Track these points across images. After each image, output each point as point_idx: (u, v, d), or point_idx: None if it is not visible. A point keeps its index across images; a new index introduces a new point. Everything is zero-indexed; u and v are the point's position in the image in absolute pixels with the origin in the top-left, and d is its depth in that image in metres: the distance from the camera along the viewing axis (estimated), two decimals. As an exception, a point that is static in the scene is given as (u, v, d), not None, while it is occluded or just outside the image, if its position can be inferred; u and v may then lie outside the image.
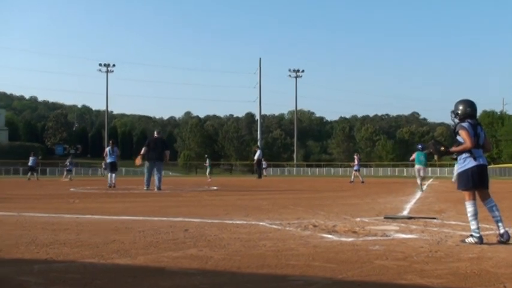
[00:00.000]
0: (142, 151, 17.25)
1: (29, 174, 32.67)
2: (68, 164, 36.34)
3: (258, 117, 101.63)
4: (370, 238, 5.96)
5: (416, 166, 18.83)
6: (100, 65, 79.26)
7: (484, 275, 3.98)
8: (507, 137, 66.75)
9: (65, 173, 35.59)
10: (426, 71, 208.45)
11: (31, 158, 33.16)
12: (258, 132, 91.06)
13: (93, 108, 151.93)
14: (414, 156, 19.12)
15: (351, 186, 22.76)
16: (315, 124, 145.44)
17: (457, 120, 5.86)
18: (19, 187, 21.56)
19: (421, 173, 18.77)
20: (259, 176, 33.03)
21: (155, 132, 18.00)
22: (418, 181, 18.42)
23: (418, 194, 15.62)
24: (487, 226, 6.51)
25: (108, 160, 20.55)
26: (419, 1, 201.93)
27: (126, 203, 11.96)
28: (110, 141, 22.21)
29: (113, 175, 20.01)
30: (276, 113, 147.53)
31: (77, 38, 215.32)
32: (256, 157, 33.38)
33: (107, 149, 20.95)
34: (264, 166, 62.37)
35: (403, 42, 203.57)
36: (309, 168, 78.70)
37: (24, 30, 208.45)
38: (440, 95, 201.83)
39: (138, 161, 17.34)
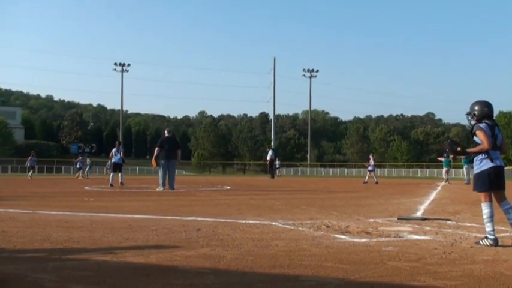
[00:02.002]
0: (156, 152, 17.22)
1: (30, 172, 32.72)
2: (78, 162, 36.86)
3: (271, 117, 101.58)
4: (383, 239, 5.93)
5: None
6: (115, 64, 79.78)
7: (498, 278, 3.94)
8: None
9: (78, 171, 35.99)
10: (442, 71, 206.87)
11: (32, 159, 33.12)
12: (272, 132, 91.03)
13: (108, 108, 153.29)
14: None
15: (364, 187, 22.65)
16: (329, 124, 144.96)
17: (473, 122, 5.79)
18: (34, 185, 21.77)
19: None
20: (272, 176, 32.98)
21: (166, 132, 17.94)
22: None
23: (433, 196, 15.51)
24: (503, 228, 6.44)
25: (113, 160, 21.20)
26: (435, 1, 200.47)
27: (139, 201, 12.02)
28: (116, 142, 22.75)
29: (120, 174, 21.06)
30: (290, 113, 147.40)
31: (93, 38, 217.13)
32: (268, 157, 33.33)
33: (113, 150, 21.53)
34: (277, 166, 62.54)
35: (418, 43, 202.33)
36: (323, 169, 78.44)
37: (41, 31, 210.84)
38: (456, 95, 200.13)
39: (154, 163, 17.41)
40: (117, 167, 21.04)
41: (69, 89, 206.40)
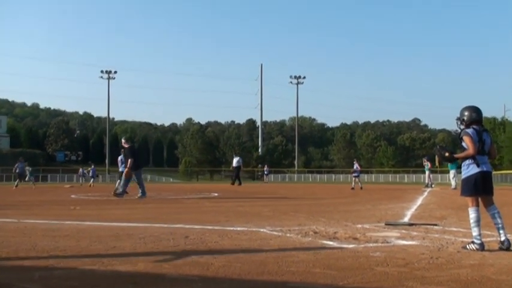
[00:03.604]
0: (132, 163, 16.49)
1: (17, 181, 32.18)
2: (91, 170, 38.95)
3: (259, 123, 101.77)
4: (371, 245, 5.95)
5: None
6: (102, 71, 79.49)
7: (485, 282, 3.97)
8: (508, 144, 66.68)
9: (91, 180, 37.23)
10: (428, 78, 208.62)
11: (20, 165, 32.50)
12: (259, 139, 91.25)
13: (95, 115, 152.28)
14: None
15: (352, 193, 22.73)
16: (316, 130, 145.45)
17: (462, 127, 5.85)
18: (20, 194, 21.55)
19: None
20: (233, 183, 31.64)
21: (128, 141, 17.45)
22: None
23: (420, 201, 15.60)
24: (489, 233, 6.49)
25: (121, 169, 20.80)
26: (421, 8, 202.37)
27: (126, 209, 11.95)
28: (122, 150, 22.39)
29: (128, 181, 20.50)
30: (277, 120, 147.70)
31: (79, 45, 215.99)
32: (234, 164, 32.42)
33: (120, 157, 21.18)
34: (265, 172, 62.58)
35: (405, 49, 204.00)
36: (310, 175, 78.62)
37: (26, 37, 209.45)
38: (442, 101, 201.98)
39: (129, 174, 16.73)
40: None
41: (55, 96, 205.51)
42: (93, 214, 10.47)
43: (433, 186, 29.29)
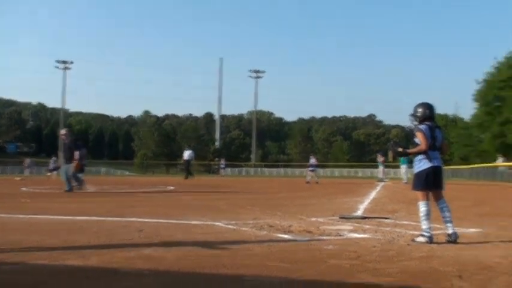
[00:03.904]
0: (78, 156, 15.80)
1: None
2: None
3: (217, 117, 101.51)
4: (324, 238, 6.04)
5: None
6: (57, 62, 77.67)
7: (433, 273, 4.09)
8: (459, 140, 68.69)
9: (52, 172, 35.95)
10: (383, 74, 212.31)
11: None
12: (217, 132, 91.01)
13: (49, 106, 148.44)
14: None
15: (307, 187, 22.97)
16: (274, 125, 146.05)
17: (416, 123, 5.99)
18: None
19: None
20: (186, 177, 30.84)
21: (67, 133, 16.59)
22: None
23: (373, 195, 15.92)
24: (438, 226, 6.68)
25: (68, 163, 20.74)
26: (377, 5, 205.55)
27: (80, 203, 11.73)
28: (79, 143, 22.24)
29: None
30: (235, 113, 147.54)
31: (34, 34, 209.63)
32: (185, 157, 31.78)
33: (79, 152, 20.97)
34: (222, 166, 62.52)
35: (361, 45, 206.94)
36: (267, 169, 78.97)
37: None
38: (396, 98, 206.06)
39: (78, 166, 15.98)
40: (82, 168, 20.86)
41: (7, 86, 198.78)
42: (45, 207, 10.24)
43: (386, 180, 29.95)
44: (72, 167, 15.63)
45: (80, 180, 16.29)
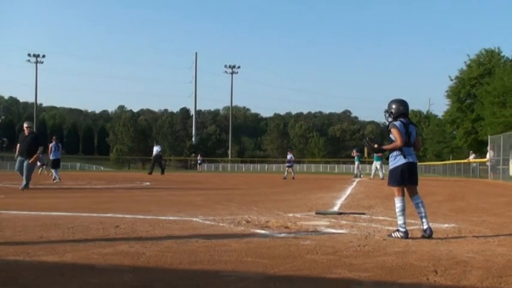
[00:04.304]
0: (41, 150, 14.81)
1: None
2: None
3: (193, 112, 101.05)
4: (301, 233, 6.07)
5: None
6: (29, 55, 76.39)
7: (408, 268, 4.14)
8: (432, 136, 69.71)
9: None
10: (358, 71, 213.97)
11: None
12: (193, 128, 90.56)
13: (21, 100, 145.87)
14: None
15: (284, 183, 23.05)
16: (250, 120, 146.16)
17: (390, 119, 6.04)
18: None
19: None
20: (163, 172, 30.35)
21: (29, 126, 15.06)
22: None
23: (349, 191, 16.04)
24: (413, 221, 6.77)
25: (53, 157, 20.99)
26: (354, 3, 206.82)
27: (54, 198, 11.58)
28: (53, 138, 22.38)
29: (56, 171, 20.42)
30: (212, 109, 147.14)
31: (5, 27, 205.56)
32: (154, 152, 31.24)
33: (52, 145, 21.20)
34: (199, 162, 62.37)
35: (337, 42, 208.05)
36: (243, 164, 79.10)
37: None
38: (371, 94, 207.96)
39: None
40: (57, 163, 21.05)
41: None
42: (19, 203, 10.07)
43: (361, 176, 30.22)
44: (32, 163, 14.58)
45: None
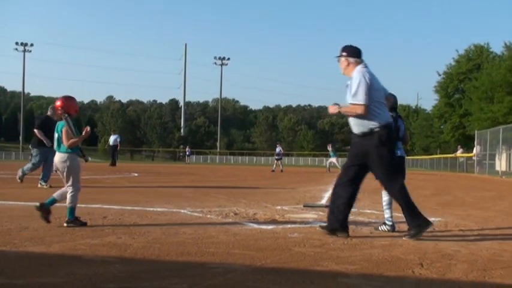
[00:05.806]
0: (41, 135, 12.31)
1: None
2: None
3: (182, 103, 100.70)
4: (289, 226, 6.09)
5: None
6: (17, 43, 75.59)
7: (395, 261, 4.18)
8: (420, 130, 70.07)
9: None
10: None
11: None
12: (182, 119, 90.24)
13: (8, 90, 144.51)
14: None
15: (272, 175, 23.09)
16: (239, 113, 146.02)
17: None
18: None
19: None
20: (114, 163, 28.81)
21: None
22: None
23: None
24: (399, 215, 6.79)
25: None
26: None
27: (42, 189, 11.51)
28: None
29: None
30: (201, 100, 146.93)
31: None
32: (111, 142, 29.86)
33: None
34: (187, 153, 62.23)
35: (324, 36, 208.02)
36: (232, 157, 79.07)
37: None
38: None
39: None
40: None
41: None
42: (6, 193, 10.02)
43: (329, 170, 29.77)
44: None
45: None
